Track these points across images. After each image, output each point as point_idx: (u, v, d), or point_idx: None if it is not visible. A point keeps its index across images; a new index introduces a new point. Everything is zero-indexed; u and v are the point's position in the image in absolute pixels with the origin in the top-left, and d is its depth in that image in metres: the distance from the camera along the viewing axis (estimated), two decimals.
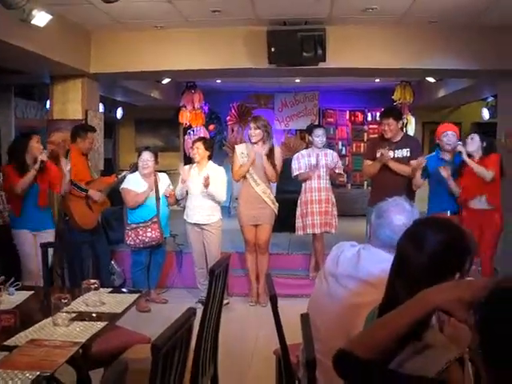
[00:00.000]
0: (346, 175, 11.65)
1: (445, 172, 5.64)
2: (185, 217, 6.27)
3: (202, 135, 9.79)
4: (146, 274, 6.28)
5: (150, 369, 2.17)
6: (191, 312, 2.51)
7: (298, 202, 6.60)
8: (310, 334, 2.39)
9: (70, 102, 7.20)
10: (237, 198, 6.99)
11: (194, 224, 6.19)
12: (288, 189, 7.99)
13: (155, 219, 6.07)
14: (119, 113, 11.86)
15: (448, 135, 5.82)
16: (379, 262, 2.36)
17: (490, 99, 10.16)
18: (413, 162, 5.88)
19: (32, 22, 5.29)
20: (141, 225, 6.04)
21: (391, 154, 5.98)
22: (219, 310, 3.47)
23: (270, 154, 6.20)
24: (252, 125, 6.21)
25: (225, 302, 4.19)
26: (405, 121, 9.88)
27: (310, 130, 6.87)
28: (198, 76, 9.24)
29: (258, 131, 6.16)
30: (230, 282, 6.49)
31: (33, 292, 3.69)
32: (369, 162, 6.23)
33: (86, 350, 2.92)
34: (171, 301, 6.51)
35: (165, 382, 2.32)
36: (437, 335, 1.65)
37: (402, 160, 6.01)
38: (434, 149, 6.24)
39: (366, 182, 11.85)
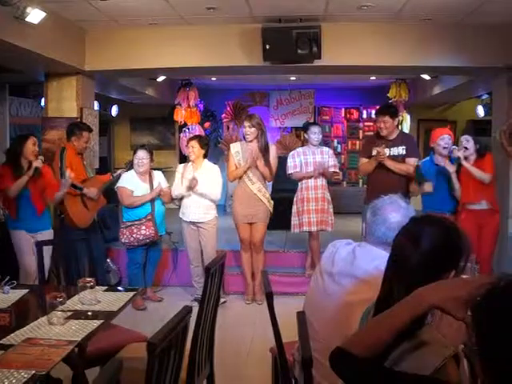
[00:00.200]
0: (341, 173, 11.66)
1: (451, 167, 5.64)
2: (180, 215, 6.26)
3: (197, 133, 9.79)
4: (142, 271, 6.27)
5: (145, 367, 2.17)
6: (187, 310, 2.51)
7: (294, 199, 6.60)
8: (306, 332, 2.39)
9: (65, 100, 7.17)
10: (232, 196, 6.98)
11: (190, 222, 6.18)
12: (284, 187, 7.99)
13: (150, 217, 6.06)
14: (114, 110, 11.84)
15: (445, 138, 5.81)
16: (374, 260, 2.36)
17: (485, 96, 10.17)
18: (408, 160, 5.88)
19: (26, 19, 5.27)
20: (135, 223, 6.03)
21: (387, 151, 5.98)
22: (215, 308, 3.47)
23: (265, 153, 6.19)
24: (247, 123, 6.19)
25: (222, 300, 4.19)
26: (400, 118, 9.90)
27: (305, 127, 6.88)
28: (193, 73, 9.22)
29: (252, 129, 6.15)
30: (226, 280, 6.51)
31: (28, 290, 3.68)
32: (364, 160, 6.23)
33: (82, 349, 2.92)
34: (167, 299, 6.52)
35: (160, 381, 2.32)
36: (432, 333, 1.65)
37: (397, 158, 6.01)
38: (428, 149, 6.21)
39: (361, 180, 11.87)
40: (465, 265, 1.74)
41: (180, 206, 6.30)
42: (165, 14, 6.30)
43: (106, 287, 3.82)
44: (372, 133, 9.10)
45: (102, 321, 3.04)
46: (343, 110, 12.78)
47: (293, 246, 7.50)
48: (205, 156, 6.26)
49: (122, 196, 6.07)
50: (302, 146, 7.20)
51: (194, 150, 6.16)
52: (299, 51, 6.37)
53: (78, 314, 3.12)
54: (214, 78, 10.54)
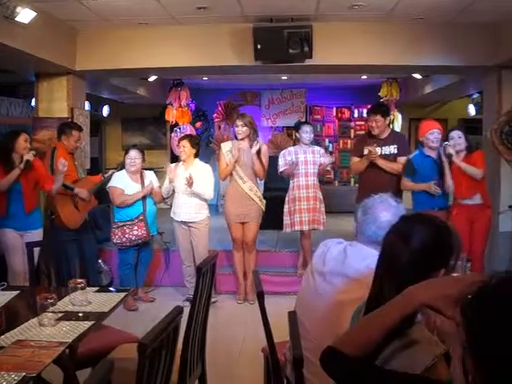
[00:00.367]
0: (333, 172, 11.67)
1: (447, 161, 5.63)
2: (172, 215, 6.25)
3: (188, 133, 9.77)
4: (134, 272, 6.26)
5: (136, 368, 2.16)
6: (178, 310, 2.51)
7: (286, 199, 6.61)
8: (297, 331, 2.39)
9: (56, 100, 7.14)
10: (224, 196, 6.97)
11: (181, 222, 6.17)
12: (276, 186, 7.99)
13: (141, 217, 6.05)
14: (105, 111, 11.79)
15: (434, 133, 5.78)
16: (366, 259, 2.37)
17: (476, 95, 10.21)
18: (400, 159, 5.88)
19: (16, 18, 5.24)
20: (127, 223, 6.02)
21: (378, 150, 5.99)
22: (207, 307, 3.47)
23: (258, 152, 6.19)
24: (239, 122, 6.20)
25: (212, 300, 4.18)
26: (391, 117, 9.91)
27: (297, 126, 6.88)
28: (185, 73, 9.21)
29: (244, 128, 6.17)
30: (217, 279, 6.50)
31: (18, 292, 3.66)
32: (356, 159, 6.24)
33: (73, 350, 2.91)
34: (159, 299, 6.50)
35: (151, 381, 2.31)
36: (422, 331, 1.65)
37: (389, 157, 6.02)
38: (417, 146, 6.18)
39: (352, 179, 11.88)
40: (455, 263, 1.74)
41: (171, 206, 6.30)
42: (156, 13, 6.28)
43: (97, 288, 3.81)
44: (363, 132, 9.11)
45: (93, 322, 3.03)
46: (335, 109, 12.80)
47: (284, 245, 7.50)
48: (196, 155, 6.25)
49: (113, 195, 6.06)
50: (294, 145, 7.20)
51: (185, 149, 6.15)
52: (290, 51, 6.37)
53: (68, 315, 3.11)
54: (205, 78, 10.53)
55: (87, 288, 3.47)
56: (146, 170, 6.37)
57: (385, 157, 6.00)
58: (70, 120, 6.93)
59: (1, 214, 5.36)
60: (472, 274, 1.54)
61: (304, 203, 6.44)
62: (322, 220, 6.56)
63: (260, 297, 2.91)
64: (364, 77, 10.25)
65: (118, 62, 7.00)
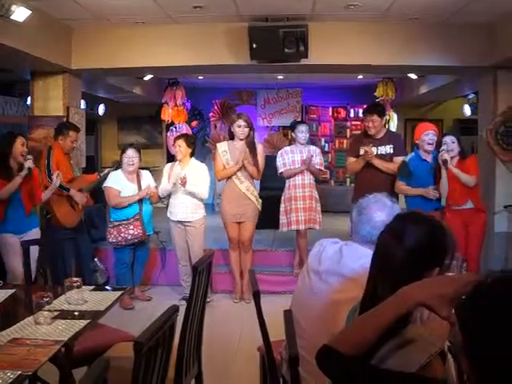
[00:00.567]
0: (328, 172, 11.69)
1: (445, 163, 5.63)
2: (168, 214, 6.25)
3: (184, 132, 9.77)
4: (130, 271, 6.25)
5: (132, 367, 2.16)
6: (174, 309, 2.51)
7: (282, 198, 6.61)
8: (293, 330, 2.40)
9: (51, 99, 7.13)
10: (220, 195, 6.97)
11: (178, 221, 6.17)
12: (271, 185, 7.99)
13: (137, 216, 6.05)
14: (101, 109, 11.78)
15: (429, 134, 5.76)
16: (361, 258, 2.37)
17: (472, 96, 10.24)
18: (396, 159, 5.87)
19: (11, 17, 5.23)
20: (123, 222, 6.01)
21: (374, 150, 6.00)
22: (203, 306, 3.47)
23: (253, 151, 6.19)
24: (242, 122, 6.18)
25: (207, 299, 4.17)
26: (387, 117, 9.93)
27: (293, 126, 6.88)
28: (180, 72, 9.20)
29: (246, 129, 6.17)
30: (214, 278, 6.51)
31: (14, 290, 3.66)
32: (352, 159, 6.25)
33: (69, 349, 2.91)
34: (155, 298, 6.50)
35: (147, 380, 2.32)
36: (418, 330, 1.65)
37: (385, 157, 6.03)
38: (413, 148, 6.16)
39: (348, 179, 11.89)
40: (450, 262, 1.75)
41: (168, 206, 6.29)
42: (152, 12, 6.28)
43: (92, 287, 3.81)
44: (359, 132, 9.12)
45: (88, 320, 3.03)
46: (330, 108, 12.81)
47: (281, 244, 7.51)
48: (192, 155, 6.25)
49: (108, 196, 6.05)
50: (290, 144, 7.20)
51: (181, 149, 6.14)
52: (286, 50, 6.37)
53: (64, 314, 3.11)
54: (201, 77, 10.52)
55: (83, 287, 3.47)
56: (142, 169, 6.36)
57: (381, 157, 6.01)
58: (65, 118, 6.92)
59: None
60: (467, 273, 1.55)
61: (300, 202, 6.44)
62: (318, 219, 6.56)
63: (256, 296, 2.92)
64: (360, 77, 10.27)
65: (113, 61, 6.99)
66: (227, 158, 6.21)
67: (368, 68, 7.37)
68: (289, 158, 6.46)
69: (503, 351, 1.13)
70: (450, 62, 6.74)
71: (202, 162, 6.44)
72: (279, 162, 6.50)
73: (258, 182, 7.09)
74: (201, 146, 11.02)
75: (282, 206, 6.60)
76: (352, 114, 12.70)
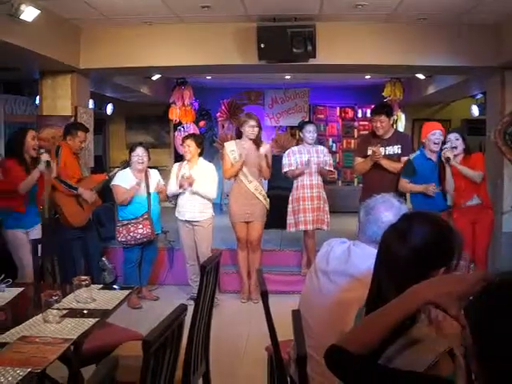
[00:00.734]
0: (336, 172, 11.68)
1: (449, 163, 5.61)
2: (176, 214, 6.26)
3: (191, 132, 9.78)
4: (138, 270, 6.27)
5: (141, 365, 2.17)
6: (182, 308, 2.51)
7: (290, 198, 6.60)
8: (301, 330, 2.40)
9: (60, 98, 7.17)
10: (228, 195, 6.98)
11: (186, 221, 6.18)
12: (279, 185, 7.99)
13: (146, 215, 6.06)
14: (109, 109, 11.81)
15: (436, 134, 5.75)
16: (369, 258, 2.37)
17: (479, 96, 10.20)
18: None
19: (20, 17, 5.27)
20: (132, 221, 6.02)
21: (382, 150, 5.99)
22: (211, 306, 3.48)
23: (260, 152, 6.21)
24: (254, 122, 6.20)
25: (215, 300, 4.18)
26: (395, 117, 9.92)
27: (301, 126, 6.88)
28: (188, 72, 9.22)
29: (257, 128, 6.19)
30: (221, 278, 6.51)
31: (23, 289, 3.68)
32: (360, 160, 6.24)
33: (78, 347, 2.92)
34: (162, 297, 6.51)
35: (156, 379, 2.32)
36: (425, 329, 1.65)
37: (393, 157, 6.01)
38: (419, 147, 6.14)
39: (356, 179, 11.87)
40: (458, 262, 1.74)
41: (176, 205, 6.30)
42: (160, 12, 6.30)
43: (101, 285, 3.82)
44: (367, 132, 9.11)
45: (97, 319, 3.04)
46: (338, 108, 12.81)
47: (288, 244, 7.51)
48: (200, 155, 6.26)
49: (116, 194, 6.06)
50: (297, 144, 7.19)
51: (190, 148, 6.15)
52: (294, 50, 6.38)
53: (73, 312, 3.12)
54: (209, 77, 10.54)
55: (91, 285, 3.48)
56: (150, 168, 6.37)
57: (389, 157, 6.00)
58: (74, 118, 6.95)
59: (21, 211, 5.32)
60: (475, 271, 1.54)
61: (308, 203, 6.44)
62: (326, 220, 6.55)
63: (264, 296, 2.92)
64: (367, 77, 10.26)
65: (122, 61, 7.02)
66: (235, 157, 6.21)
67: (376, 68, 7.37)
68: (296, 159, 6.46)
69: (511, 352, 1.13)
70: (457, 62, 6.73)
71: (209, 161, 6.44)
72: (285, 161, 6.50)
73: (266, 181, 7.10)
74: (208, 146, 11.03)
75: (290, 206, 6.60)
76: (360, 114, 12.71)
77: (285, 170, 6.50)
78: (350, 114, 12.80)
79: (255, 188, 6.23)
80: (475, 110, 10.77)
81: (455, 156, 5.61)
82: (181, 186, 6.03)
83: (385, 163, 5.93)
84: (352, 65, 7.00)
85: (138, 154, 6.10)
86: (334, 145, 12.75)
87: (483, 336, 1.20)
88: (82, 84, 7.40)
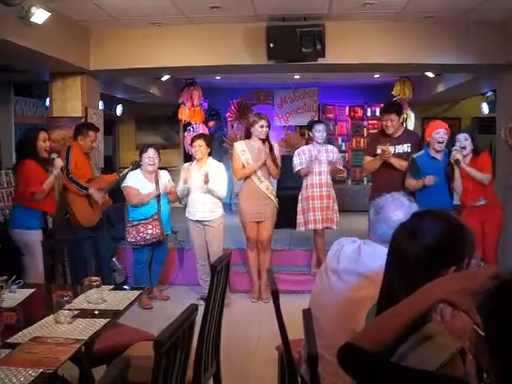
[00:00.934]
0: (346, 171, 11.66)
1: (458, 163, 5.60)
2: (187, 214, 6.27)
3: (201, 132, 9.79)
4: (148, 271, 6.28)
5: (152, 366, 2.18)
6: (193, 308, 2.52)
7: (299, 197, 6.60)
8: (311, 329, 2.40)
9: (70, 100, 7.19)
10: (237, 195, 6.98)
11: (196, 221, 6.19)
12: (288, 185, 7.99)
13: (156, 216, 6.07)
14: (119, 110, 11.85)
15: (440, 133, 5.74)
16: (379, 257, 2.36)
17: (490, 94, 10.16)
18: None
19: (31, 19, 5.29)
20: (142, 222, 6.04)
21: (392, 149, 5.98)
22: (221, 306, 3.48)
23: (271, 151, 6.21)
24: (265, 122, 6.20)
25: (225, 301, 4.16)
26: (404, 116, 9.89)
27: (310, 125, 6.87)
28: (197, 72, 9.23)
29: (267, 128, 6.21)
30: (231, 278, 6.51)
31: (35, 290, 3.70)
32: (369, 158, 6.24)
33: (89, 347, 2.93)
34: (173, 298, 6.53)
35: (167, 379, 2.33)
36: (438, 327, 1.65)
37: (402, 155, 6.00)
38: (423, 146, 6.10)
39: (365, 178, 11.85)
40: (469, 261, 1.73)
41: (186, 205, 6.31)
42: (169, 13, 6.32)
43: (111, 286, 3.84)
44: (376, 131, 9.10)
45: (108, 319, 3.06)
46: (347, 108, 12.81)
47: (298, 244, 7.50)
48: (209, 154, 6.27)
49: (129, 196, 6.08)
50: (307, 144, 7.19)
51: (201, 148, 6.16)
52: (303, 49, 6.37)
53: (84, 313, 3.14)
54: (218, 77, 10.55)
55: (102, 286, 3.50)
56: (160, 169, 6.39)
57: (398, 155, 5.99)
58: (84, 119, 6.98)
59: (50, 210, 5.58)
60: (486, 267, 1.53)
61: (317, 202, 6.43)
62: (335, 219, 6.55)
63: (275, 296, 2.92)
64: (377, 75, 10.24)
65: (131, 62, 7.03)
66: (247, 158, 6.21)
67: (385, 67, 7.36)
68: (306, 157, 6.46)
69: None
70: (465, 60, 6.70)
71: (218, 161, 6.45)
72: (296, 160, 6.49)
73: (275, 181, 7.10)
74: (218, 146, 11.05)
75: (299, 205, 6.59)
76: (369, 113, 12.70)
77: (297, 169, 6.49)
78: (360, 113, 12.78)
79: (266, 188, 6.24)
80: (485, 108, 10.73)
81: (464, 157, 5.60)
82: (206, 182, 6.01)
83: (394, 161, 5.92)
84: (361, 64, 6.98)
85: (149, 155, 6.11)
86: (344, 144, 12.74)
87: (495, 332, 1.20)
88: (91, 85, 7.42)
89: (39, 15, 5.36)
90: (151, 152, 6.12)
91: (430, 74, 9.17)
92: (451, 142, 5.77)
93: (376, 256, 2.42)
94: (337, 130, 12.79)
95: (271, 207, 6.29)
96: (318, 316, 2.60)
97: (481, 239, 5.46)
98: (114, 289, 3.75)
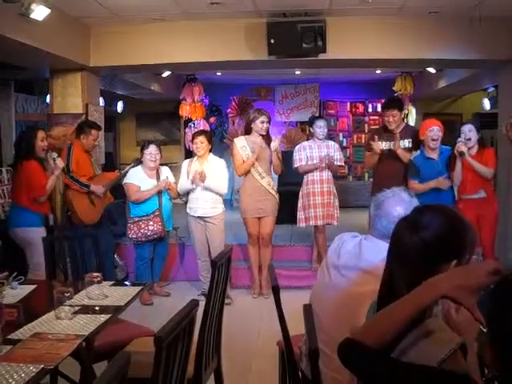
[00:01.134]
0: (346, 167, 11.66)
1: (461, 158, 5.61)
2: (188, 210, 6.27)
3: (201, 128, 9.77)
4: (149, 267, 6.29)
5: (153, 361, 2.18)
6: (194, 304, 2.52)
7: (300, 194, 6.60)
8: (312, 324, 2.40)
9: (70, 96, 7.19)
10: (238, 191, 6.98)
11: (198, 217, 6.18)
12: (290, 181, 7.99)
13: (157, 212, 6.07)
14: (120, 106, 11.85)
15: (434, 130, 5.74)
16: (380, 252, 2.36)
17: (491, 89, 10.15)
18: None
19: (31, 16, 5.28)
20: (143, 218, 6.04)
21: (384, 144, 6.02)
22: (222, 302, 3.48)
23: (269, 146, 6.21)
24: (264, 118, 6.20)
25: (226, 301, 4.13)
26: (406, 112, 9.88)
27: (311, 121, 6.87)
28: (198, 68, 9.22)
29: (268, 124, 6.21)
30: (232, 274, 6.51)
31: (36, 286, 3.70)
32: (368, 154, 6.28)
33: (90, 343, 2.94)
34: (174, 293, 6.53)
35: (168, 375, 2.33)
36: (439, 323, 1.64)
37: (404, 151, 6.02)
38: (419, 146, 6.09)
39: (366, 174, 11.85)
40: (470, 257, 1.72)
41: (186, 202, 6.31)
42: (169, 9, 6.31)
43: (112, 282, 3.84)
44: (377, 126, 9.09)
45: (109, 315, 3.06)
46: (348, 103, 12.79)
47: (299, 239, 7.51)
48: (210, 150, 6.27)
49: (129, 192, 6.08)
50: (308, 140, 7.19)
51: (203, 145, 6.14)
52: (304, 45, 6.37)
53: (85, 309, 3.14)
54: (219, 73, 10.54)
55: (103, 282, 3.50)
56: (161, 165, 6.38)
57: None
58: (84, 116, 6.98)
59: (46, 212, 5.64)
60: (487, 262, 1.52)
61: (318, 198, 6.43)
62: (335, 215, 6.54)
63: (276, 291, 2.92)
64: (378, 71, 10.22)
65: (131, 58, 7.03)
66: (248, 154, 6.20)
67: (386, 62, 7.35)
68: (306, 154, 6.45)
69: None
70: (469, 56, 6.69)
71: (220, 158, 6.45)
72: (295, 156, 6.49)
73: (276, 177, 7.10)
74: (219, 142, 11.05)
75: (300, 201, 6.59)
76: (370, 109, 12.69)
77: (295, 165, 6.49)
78: (361, 108, 12.77)
79: (268, 183, 6.24)
80: (487, 104, 10.72)
81: (469, 148, 5.61)
82: (193, 182, 6.03)
83: (400, 152, 5.92)
84: (362, 59, 6.98)
85: (151, 151, 6.10)
86: (345, 140, 12.73)
87: (496, 328, 1.21)
88: (92, 82, 7.42)
89: (39, 12, 5.36)
90: (153, 148, 6.12)
91: (432, 70, 9.16)
92: (455, 135, 5.78)
93: (377, 251, 2.42)
94: (338, 125, 12.77)
95: (272, 203, 6.29)
96: (319, 311, 2.60)
97: (478, 233, 5.47)
98: (114, 285, 3.75)
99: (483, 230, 5.59)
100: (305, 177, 6.53)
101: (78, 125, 6.34)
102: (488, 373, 1.39)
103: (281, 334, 2.90)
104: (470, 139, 5.65)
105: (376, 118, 12.31)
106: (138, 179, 6.08)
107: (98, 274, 3.47)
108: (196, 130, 8.01)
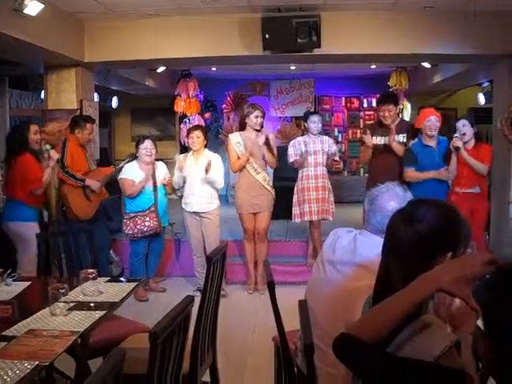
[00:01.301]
0: (342, 162, 11.66)
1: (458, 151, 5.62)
2: (183, 205, 6.26)
3: (196, 123, 9.76)
4: (145, 263, 6.28)
5: (148, 357, 2.18)
6: (189, 299, 2.52)
7: (295, 189, 6.60)
8: (307, 320, 2.40)
9: (65, 92, 7.17)
10: (233, 187, 6.97)
11: (193, 213, 6.18)
12: (285, 176, 7.99)
13: (153, 208, 6.07)
14: (114, 102, 11.82)
15: (431, 120, 5.75)
16: (375, 247, 2.36)
17: (486, 84, 10.15)
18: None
19: (24, 11, 5.26)
20: (139, 214, 6.03)
21: (379, 139, 6.03)
22: (217, 297, 3.48)
23: (267, 141, 6.20)
24: (258, 113, 6.19)
25: (221, 293, 4.15)
26: (401, 107, 9.88)
27: (306, 116, 6.87)
28: (193, 64, 9.21)
29: (262, 119, 6.20)
30: (228, 269, 6.51)
31: (30, 282, 3.69)
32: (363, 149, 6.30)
33: (85, 340, 2.93)
34: (169, 289, 6.53)
35: (163, 371, 2.33)
36: (435, 319, 1.64)
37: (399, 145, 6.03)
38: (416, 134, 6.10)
39: (362, 169, 11.86)
40: (464, 250, 1.73)
41: (181, 197, 6.30)
42: (164, 4, 6.29)
43: (107, 278, 3.83)
44: (372, 122, 9.10)
45: (104, 311, 3.05)
46: (343, 98, 12.79)
47: (294, 235, 7.51)
48: (205, 146, 6.26)
49: (124, 187, 6.07)
50: (303, 135, 7.19)
51: (199, 140, 6.14)
52: (299, 40, 6.36)
53: (80, 305, 3.13)
54: (214, 68, 10.53)
55: (98, 278, 3.49)
56: (157, 160, 6.37)
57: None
58: (79, 111, 6.96)
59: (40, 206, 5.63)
60: (481, 253, 1.53)
61: (313, 193, 6.43)
62: (330, 210, 6.55)
63: (271, 287, 2.92)
64: (373, 66, 10.23)
65: (126, 54, 7.01)
66: (242, 150, 6.20)
67: (381, 57, 7.35)
68: (301, 149, 6.45)
69: None
70: (464, 51, 6.68)
71: (215, 153, 6.44)
72: (290, 151, 6.48)
73: (272, 172, 7.10)
74: (214, 138, 11.03)
75: (295, 196, 6.59)
76: (365, 104, 12.70)
77: (290, 160, 6.48)
78: (356, 103, 12.78)
79: (263, 179, 6.23)
80: (481, 99, 10.73)
81: (465, 143, 5.63)
82: (207, 171, 6.01)
83: (395, 146, 5.93)
84: (357, 54, 6.97)
85: (147, 146, 6.10)
86: (340, 135, 12.74)
87: (492, 319, 1.21)
88: (86, 77, 7.39)
89: (33, 7, 5.34)
90: (148, 143, 6.12)
91: (427, 65, 9.16)
92: (449, 130, 5.80)
93: (372, 246, 2.42)
94: (333, 120, 12.78)
95: (268, 198, 6.28)
96: (314, 307, 2.60)
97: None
98: (109, 281, 3.74)
99: (475, 224, 5.61)
100: (300, 172, 6.53)
101: (72, 119, 6.31)
102: (482, 367, 1.40)
103: (276, 329, 2.90)
104: (464, 134, 5.68)
105: (371, 113, 12.31)
106: (133, 174, 6.06)
107: (92, 271, 3.47)
108: (192, 125, 7.99)
